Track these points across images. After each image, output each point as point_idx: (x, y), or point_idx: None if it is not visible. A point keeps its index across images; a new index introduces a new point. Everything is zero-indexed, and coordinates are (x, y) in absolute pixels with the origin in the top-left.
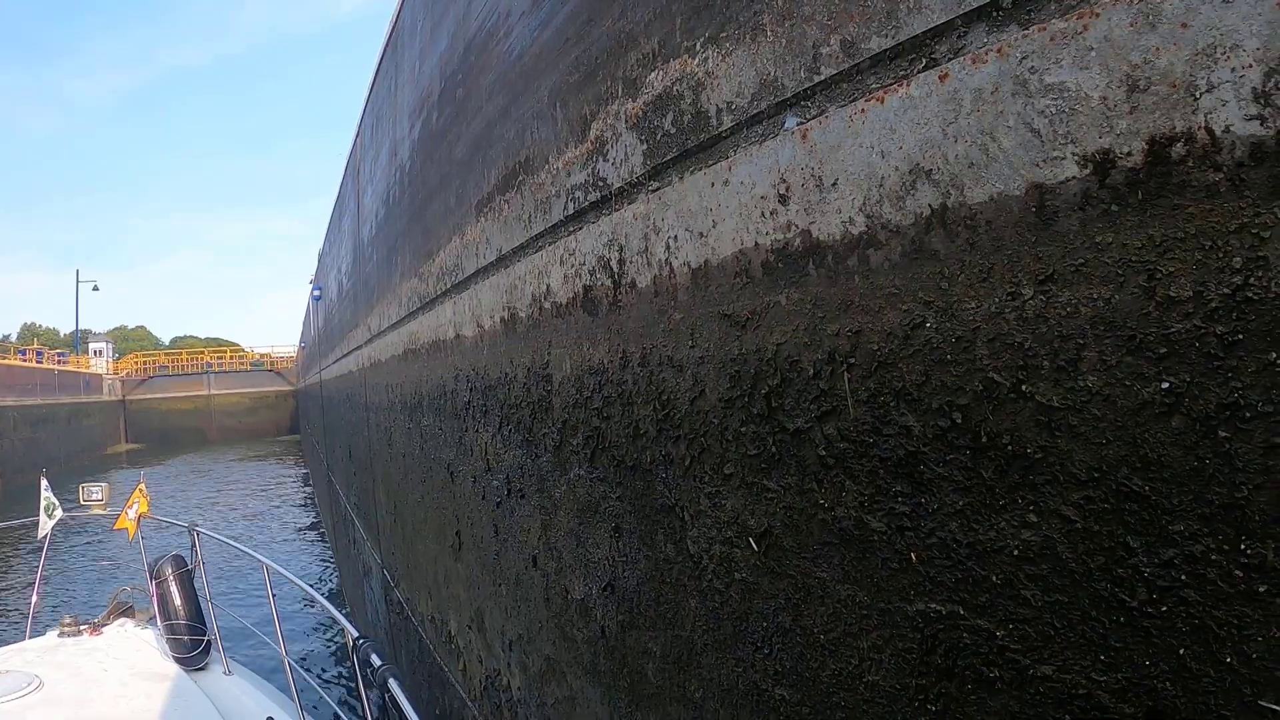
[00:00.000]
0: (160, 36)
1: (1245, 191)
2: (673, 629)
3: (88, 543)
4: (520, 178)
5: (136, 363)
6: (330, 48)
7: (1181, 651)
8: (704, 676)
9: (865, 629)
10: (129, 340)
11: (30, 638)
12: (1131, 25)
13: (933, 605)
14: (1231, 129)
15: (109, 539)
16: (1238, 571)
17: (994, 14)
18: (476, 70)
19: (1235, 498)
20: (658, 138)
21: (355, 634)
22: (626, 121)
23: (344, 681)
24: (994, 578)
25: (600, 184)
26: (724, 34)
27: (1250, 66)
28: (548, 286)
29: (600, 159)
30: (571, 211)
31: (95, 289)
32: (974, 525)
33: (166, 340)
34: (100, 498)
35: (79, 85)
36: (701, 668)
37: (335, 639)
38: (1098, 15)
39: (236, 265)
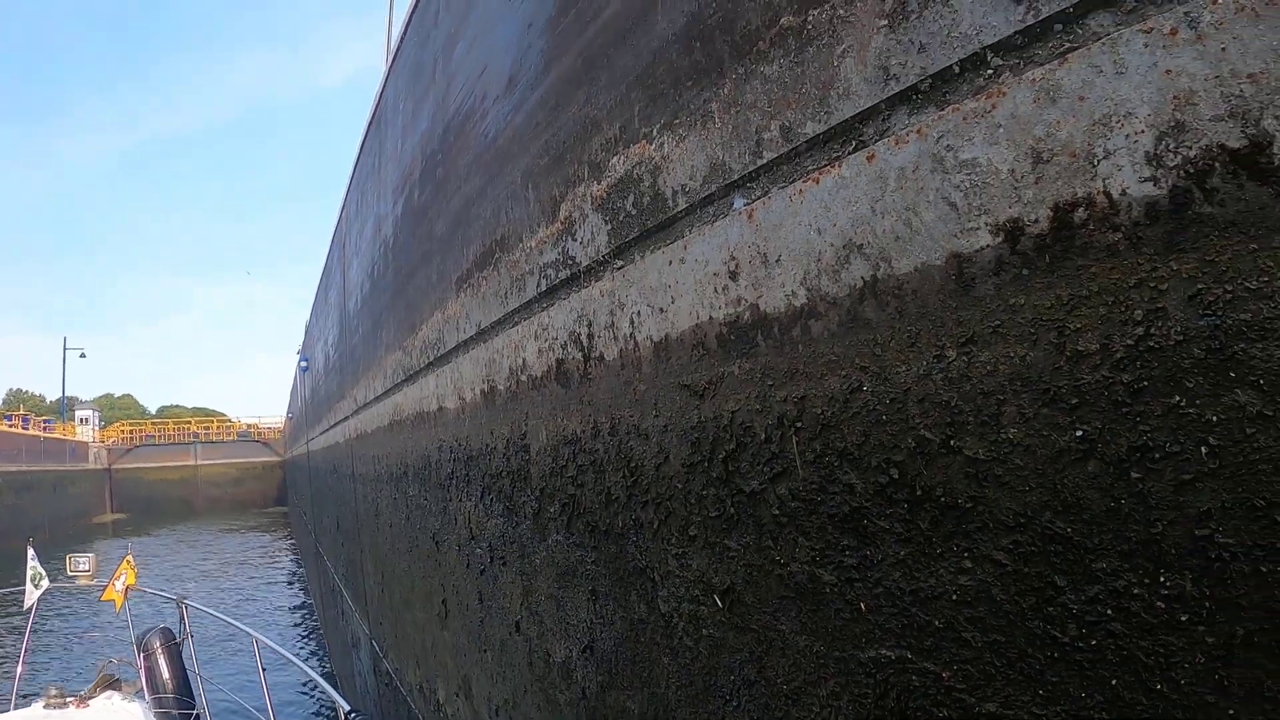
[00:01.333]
0: (149, 102)
1: (1143, 248)
2: (648, 687)
3: (75, 613)
4: (497, 255)
5: (123, 431)
6: (316, 117)
7: (1114, 682)
8: None
9: (824, 677)
10: (115, 408)
11: (15, 709)
12: (1035, 101)
13: (883, 651)
14: (1128, 191)
15: (96, 610)
16: (1159, 603)
17: (914, 97)
18: (455, 150)
19: (1151, 534)
20: (620, 218)
21: (346, 707)
22: (592, 203)
23: None
24: (937, 622)
25: (570, 262)
26: (678, 120)
27: (1143, 132)
28: (524, 360)
29: (569, 238)
30: (544, 288)
31: (82, 356)
32: (915, 574)
33: (153, 409)
34: (87, 568)
35: (69, 147)
36: None
37: (325, 712)
38: (1004, 94)
39: (224, 331)
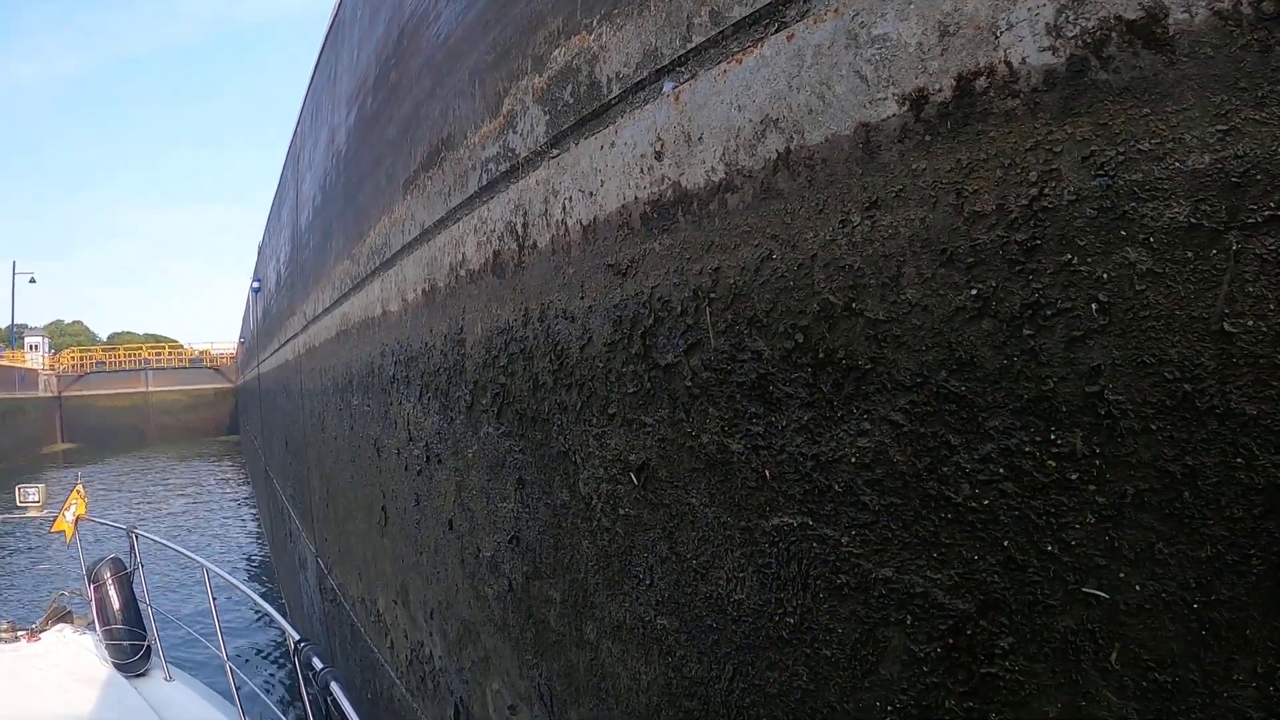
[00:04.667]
0: (108, 22)
1: (1040, 114)
2: (569, 573)
3: (24, 546)
4: (442, 154)
5: (73, 358)
6: (279, 39)
7: (1006, 544)
8: (597, 617)
9: (730, 548)
10: (66, 335)
11: None
12: None
13: (786, 519)
14: (1027, 60)
15: (46, 541)
16: (1050, 461)
17: None
18: (408, 54)
19: (1042, 390)
20: (558, 108)
21: (296, 637)
22: (533, 95)
23: (286, 684)
24: (836, 486)
25: (510, 155)
26: (616, 10)
27: (1045, 5)
28: (463, 255)
29: (511, 131)
30: (485, 183)
31: (32, 281)
32: (817, 438)
33: (104, 336)
34: (37, 499)
35: (18, 66)
36: (595, 608)
37: (276, 640)
38: None
39: (177, 259)
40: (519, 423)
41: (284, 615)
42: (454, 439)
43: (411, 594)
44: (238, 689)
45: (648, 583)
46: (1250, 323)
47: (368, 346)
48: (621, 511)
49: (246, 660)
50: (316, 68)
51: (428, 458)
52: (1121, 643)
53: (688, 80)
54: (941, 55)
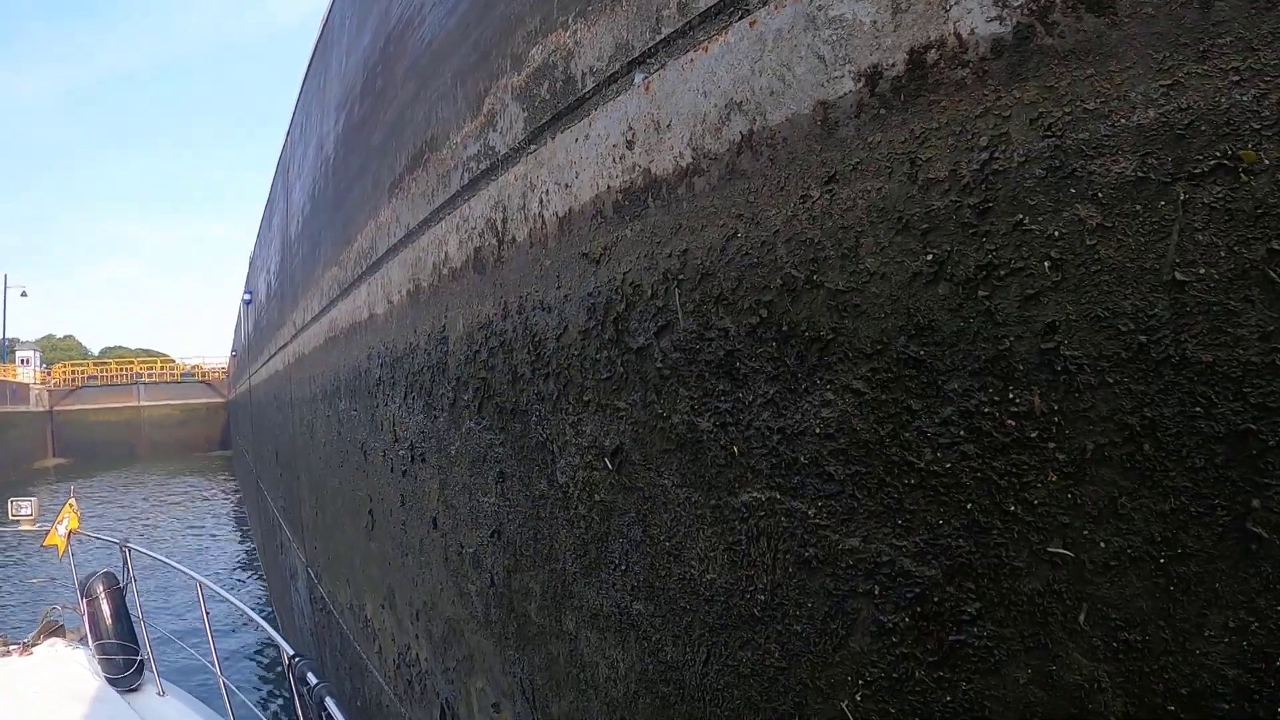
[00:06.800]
0: (103, 38)
1: (988, 81)
2: (549, 564)
3: (17, 559)
4: (426, 156)
5: (65, 372)
6: (272, 56)
7: (969, 506)
8: (576, 606)
9: (701, 527)
10: (57, 350)
11: None
12: None
13: (754, 494)
14: (976, 31)
15: (38, 556)
16: (1010, 421)
17: None
18: (394, 60)
19: (999, 350)
20: (536, 104)
21: (291, 652)
22: (512, 93)
23: (280, 700)
24: (802, 458)
25: (490, 152)
26: (590, 7)
27: None
28: (446, 253)
29: (491, 129)
30: (466, 181)
31: (24, 295)
32: (783, 411)
33: (96, 351)
34: (29, 513)
35: (14, 80)
36: (573, 597)
37: (270, 654)
38: None
39: (172, 273)
40: (499, 416)
41: (276, 629)
42: (437, 437)
43: (398, 596)
44: (231, 704)
45: (623, 568)
46: (1202, 270)
47: (355, 351)
48: (597, 498)
49: (240, 675)
50: (306, 77)
51: (412, 458)
52: (1089, 603)
53: (657, 70)
54: (895, 31)
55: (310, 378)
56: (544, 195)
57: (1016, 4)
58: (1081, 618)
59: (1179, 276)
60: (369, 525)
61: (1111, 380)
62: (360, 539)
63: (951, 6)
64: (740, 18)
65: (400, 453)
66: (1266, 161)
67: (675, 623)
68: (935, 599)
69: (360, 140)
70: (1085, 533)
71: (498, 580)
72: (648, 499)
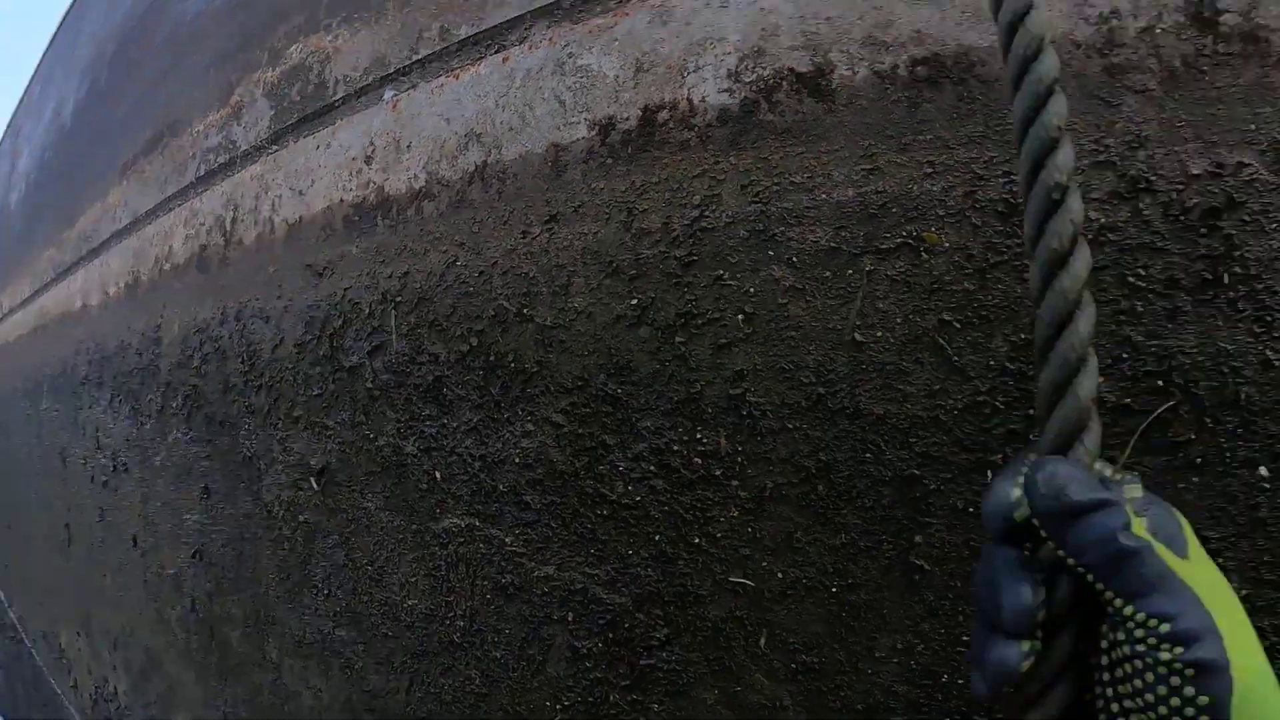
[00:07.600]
0: None
1: (710, 146)
2: (252, 588)
3: None
4: (166, 139)
5: None
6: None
7: (657, 538)
8: (279, 633)
9: (403, 552)
10: None
11: None
12: (649, 23)
13: (454, 520)
14: (707, 99)
15: None
16: (697, 459)
17: (555, 12)
18: (153, 28)
19: (691, 393)
20: (285, 104)
21: None
22: (263, 89)
23: None
24: (501, 486)
25: (231, 146)
26: (357, 15)
27: (730, 54)
28: (171, 248)
29: (236, 123)
30: (203, 173)
31: None
32: (485, 439)
33: None
34: None
35: None
36: (276, 624)
37: None
38: (628, 14)
39: None
40: (208, 427)
41: None
42: (143, 446)
43: (94, 623)
44: None
45: (326, 593)
46: (879, 334)
47: (62, 345)
48: (301, 519)
49: None
50: (57, 32)
51: (114, 467)
52: (769, 628)
53: (408, 90)
54: (634, 88)
55: (13, 370)
56: (277, 199)
57: (748, 80)
58: (762, 642)
59: (858, 337)
60: (66, 540)
61: (792, 426)
62: (55, 557)
63: (689, 74)
64: (496, 52)
65: (102, 461)
66: (946, 244)
67: (378, 649)
68: (626, 625)
69: (104, 112)
70: (764, 564)
71: (199, 605)
72: (351, 521)
